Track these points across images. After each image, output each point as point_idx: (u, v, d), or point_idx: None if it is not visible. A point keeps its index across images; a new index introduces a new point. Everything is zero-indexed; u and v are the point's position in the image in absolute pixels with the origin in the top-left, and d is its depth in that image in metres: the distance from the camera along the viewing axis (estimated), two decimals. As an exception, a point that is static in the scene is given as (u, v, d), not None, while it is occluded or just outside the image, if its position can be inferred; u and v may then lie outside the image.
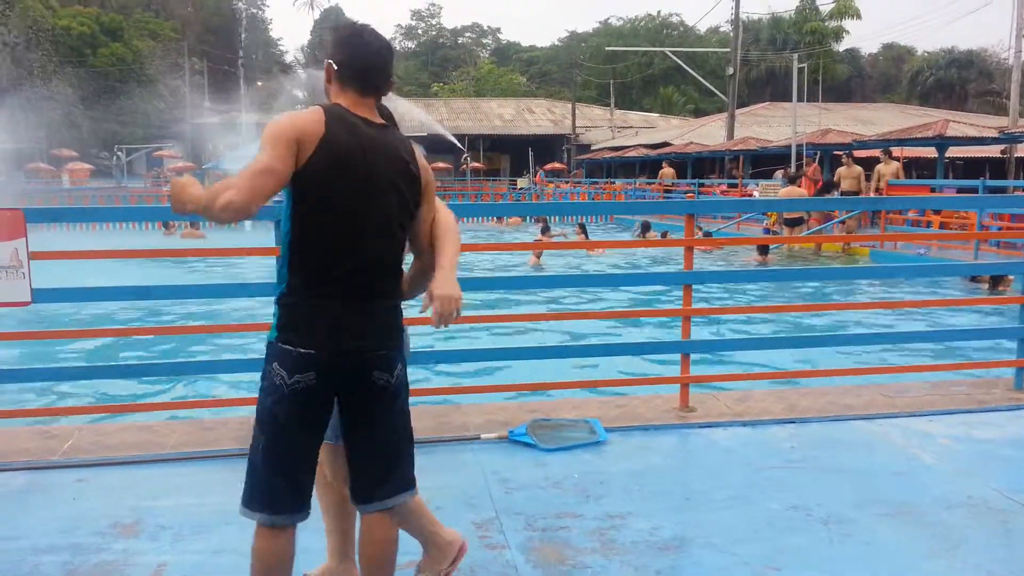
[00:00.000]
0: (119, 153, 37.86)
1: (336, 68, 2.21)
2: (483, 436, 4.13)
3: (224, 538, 3.06)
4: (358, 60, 2.20)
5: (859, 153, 23.38)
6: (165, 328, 5.61)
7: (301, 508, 2.26)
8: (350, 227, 2.13)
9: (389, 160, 2.18)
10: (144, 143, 43.61)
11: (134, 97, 47.90)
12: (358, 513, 2.42)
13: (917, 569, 2.84)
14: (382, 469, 2.31)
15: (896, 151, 19.33)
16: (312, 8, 71.58)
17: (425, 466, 3.75)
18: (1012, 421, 4.47)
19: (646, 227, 16.48)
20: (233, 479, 3.59)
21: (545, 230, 14.66)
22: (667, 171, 28.15)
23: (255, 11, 67.33)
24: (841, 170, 16.56)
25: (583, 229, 15.58)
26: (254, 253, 4.35)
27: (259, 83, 52.01)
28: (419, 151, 2.33)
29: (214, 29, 59.92)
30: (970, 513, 3.29)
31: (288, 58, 72.82)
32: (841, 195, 14.85)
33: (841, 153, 23.31)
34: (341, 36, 2.26)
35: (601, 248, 14.06)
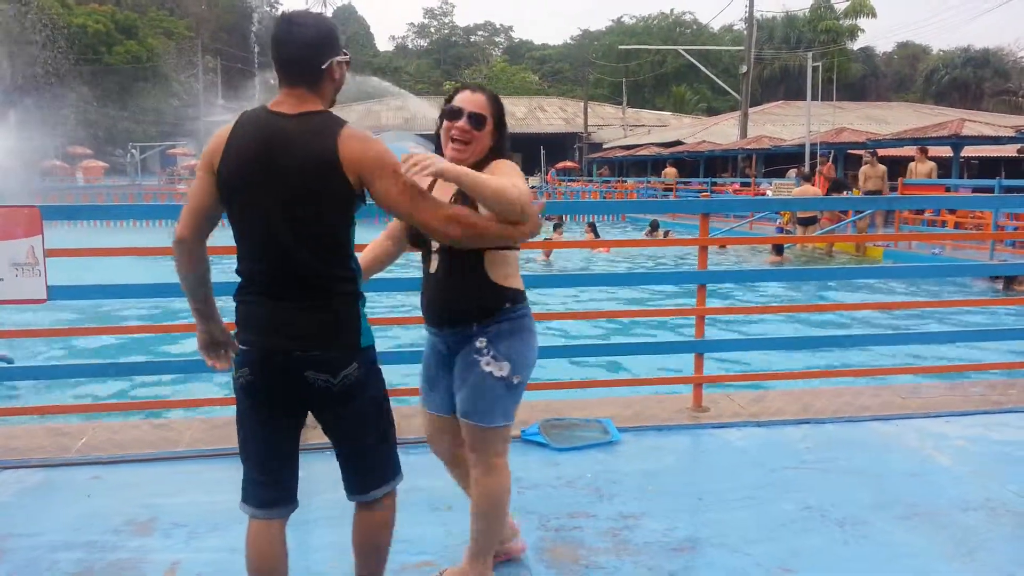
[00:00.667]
0: (133, 151, 38.10)
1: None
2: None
3: (238, 536, 3.05)
4: (273, 52, 2.12)
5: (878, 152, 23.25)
6: (179, 326, 5.62)
7: (275, 503, 2.31)
8: (260, 226, 2.09)
9: (294, 150, 2.04)
10: (158, 141, 43.86)
11: (148, 95, 48.19)
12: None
13: (934, 572, 2.82)
14: (352, 468, 2.34)
15: (912, 150, 19.15)
16: (325, 6, 71.79)
17: (438, 465, 3.76)
18: (1029, 423, 4.42)
19: (654, 226, 16.44)
20: (247, 477, 3.62)
21: (557, 227, 14.64)
22: (670, 171, 28.20)
23: (268, 9, 67.58)
24: (865, 169, 16.01)
25: (593, 228, 15.55)
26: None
27: (272, 81, 52.19)
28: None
29: (228, 27, 60.19)
30: (988, 515, 3.26)
31: (301, 56, 73.00)
32: (865, 195, 14.58)
33: (861, 152, 23.21)
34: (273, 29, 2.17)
35: (606, 247, 14.01)
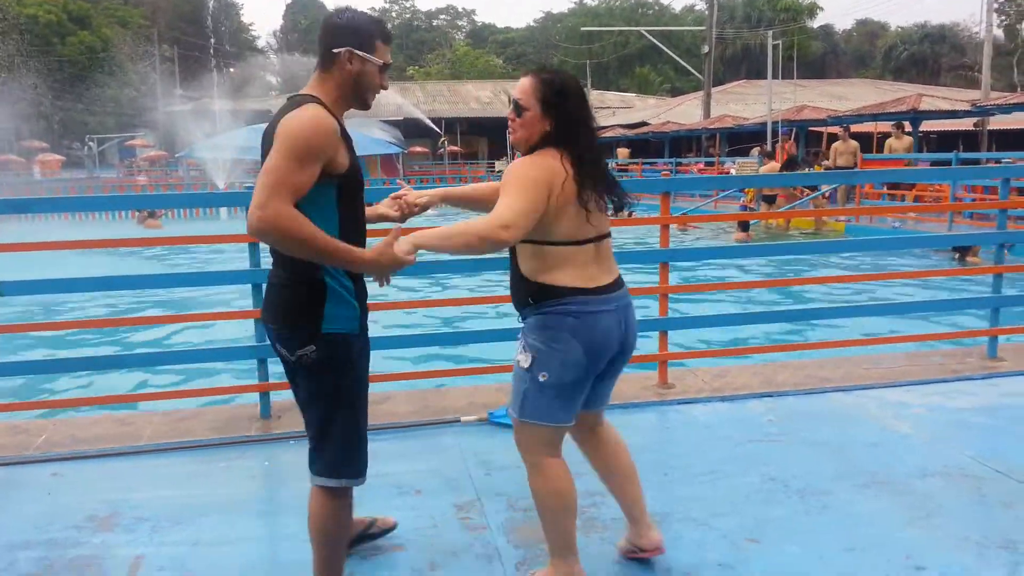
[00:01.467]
0: (90, 143, 37.27)
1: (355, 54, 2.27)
2: (463, 419, 4.12)
3: (202, 529, 3.04)
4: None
5: (834, 129, 23.48)
6: (135, 319, 5.54)
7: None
8: None
9: (267, 129, 2.16)
10: (116, 132, 42.95)
11: (104, 86, 47.11)
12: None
13: (894, 538, 2.88)
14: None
15: (871, 126, 19.35)
16: (285, -9, 70.72)
17: (406, 450, 3.77)
18: (985, 389, 4.52)
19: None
20: (210, 470, 3.59)
21: None
22: (623, 151, 28.41)
23: (225, -4, 66.37)
24: (837, 145, 15.97)
25: None
26: (223, 240, 4.30)
27: (231, 69, 51.34)
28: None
29: (184, 16, 58.98)
30: (945, 481, 3.33)
31: (260, 43, 71.93)
32: (836, 170, 14.65)
33: (822, 129, 23.44)
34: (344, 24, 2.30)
35: None
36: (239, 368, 5.40)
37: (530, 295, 2.40)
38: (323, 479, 2.35)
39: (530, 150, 2.38)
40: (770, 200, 14.57)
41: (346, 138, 2.24)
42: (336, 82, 2.22)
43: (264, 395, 4.18)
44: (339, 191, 2.19)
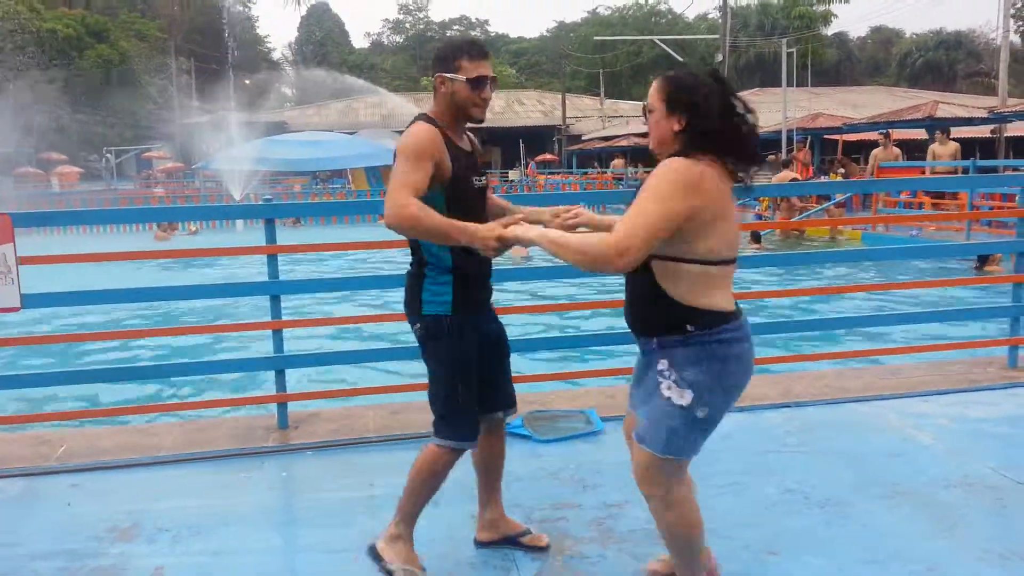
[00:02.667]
0: (108, 155, 37.65)
1: (448, 78, 2.61)
2: (480, 429, 4.11)
3: (223, 539, 3.06)
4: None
5: (850, 137, 23.39)
6: (155, 331, 5.61)
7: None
8: None
9: None
10: (133, 144, 43.37)
11: (122, 98, 47.59)
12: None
13: (915, 549, 2.85)
14: None
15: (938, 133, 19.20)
16: (299, 4, 71.39)
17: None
18: (1006, 399, 4.48)
19: None
20: (230, 480, 3.61)
21: None
22: (618, 162, 28.70)
23: (241, 9, 67.01)
24: (877, 152, 15.16)
25: None
26: (246, 252, 4.34)
27: (247, 81, 51.78)
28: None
29: (200, 28, 59.54)
30: (966, 492, 3.30)
31: (276, 55, 72.52)
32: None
33: (836, 136, 23.33)
34: (438, 53, 2.65)
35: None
36: (258, 379, 5.44)
37: (686, 321, 2.19)
38: (432, 438, 2.68)
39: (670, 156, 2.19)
40: (756, 238, 13.32)
41: (452, 149, 2.55)
42: (440, 103, 2.61)
43: (282, 406, 4.20)
44: (446, 198, 2.53)
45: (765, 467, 3.61)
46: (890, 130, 17.23)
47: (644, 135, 2.44)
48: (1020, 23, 52.51)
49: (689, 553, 2.42)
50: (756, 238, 13.26)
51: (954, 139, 15.42)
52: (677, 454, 2.27)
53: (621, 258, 2.05)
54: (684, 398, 2.20)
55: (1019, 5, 48.56)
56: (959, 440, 3.90)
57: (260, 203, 4.15)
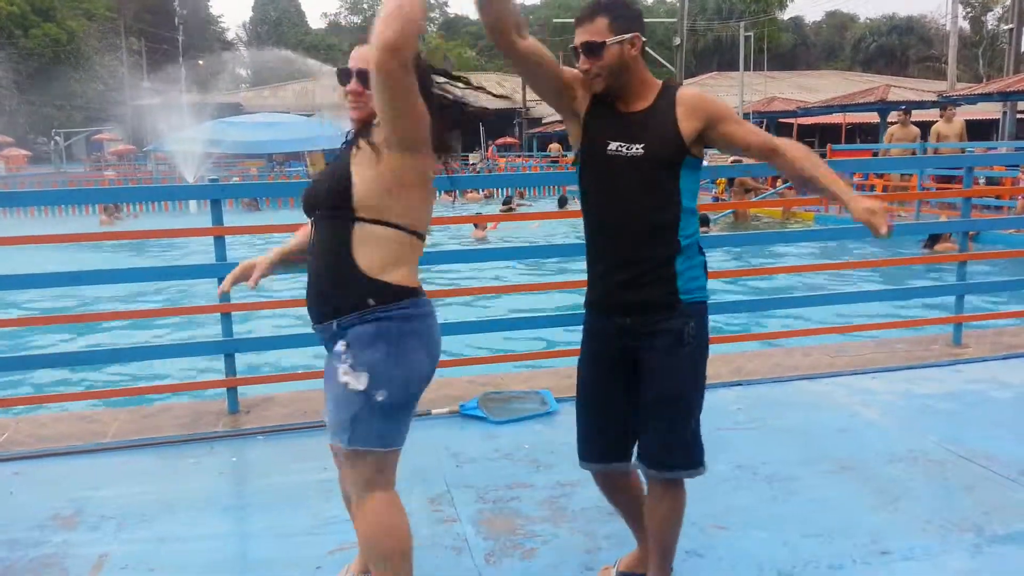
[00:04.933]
0: (57, 138, 36.61)
1: (644, 40, 2.21)
2: (434, 411, 4.11)
3: (169, 526, 3.00)
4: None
5: (804, 120, 23.70)
6: (100, 314, 5.47)
7: None
8: None
9: None
10: (83, 127, 42.23)
11: (70, 79, 46.23)
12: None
13: (860, 522, 2.91)
14: None
15: (839, 117, 19.51)
16: (252, -17, 69.80)
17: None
18: (950, 376, 4.59)
19: (563, 201, 16.40)
20: (177, 466, 3.54)
21: (507, 201, 14.50)
22: (554, 146, 29.28)
23: (193, -13, 65.36)
24: (894, 130, 14.19)
25: (508, 202, 15.56)
26: (188, 234, 4.24)
27: (200, 62, 50.62)
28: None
29: (151, 7, 57.96)
30: (911, 466, 3.38)
31: (230, 36, 71.01)
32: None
33: (791, 120, 23.60)
34: (638, 11, 2.24)
35: (494, 225, 13.44)
36: (206, 363, 5.35)
37: (368, 296, 2.08)
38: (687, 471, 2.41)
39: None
40: (704, 221, 13.56)
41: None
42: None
43: (231, 390, 4.13)
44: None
45: (717, 444, 3.64)
46: (844, 113, 17.47)
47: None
48: (969, 9, 53.63)
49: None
50: (704, 221, 13.36)
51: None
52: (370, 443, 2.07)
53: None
54: (360, 381, 2.03)
55: (968, -8, 49.58)
56: (905, 416, 3.99)
57: (206, 183, 4.05)
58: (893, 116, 14.87)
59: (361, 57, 2.13)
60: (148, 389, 4.43)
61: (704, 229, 13.11)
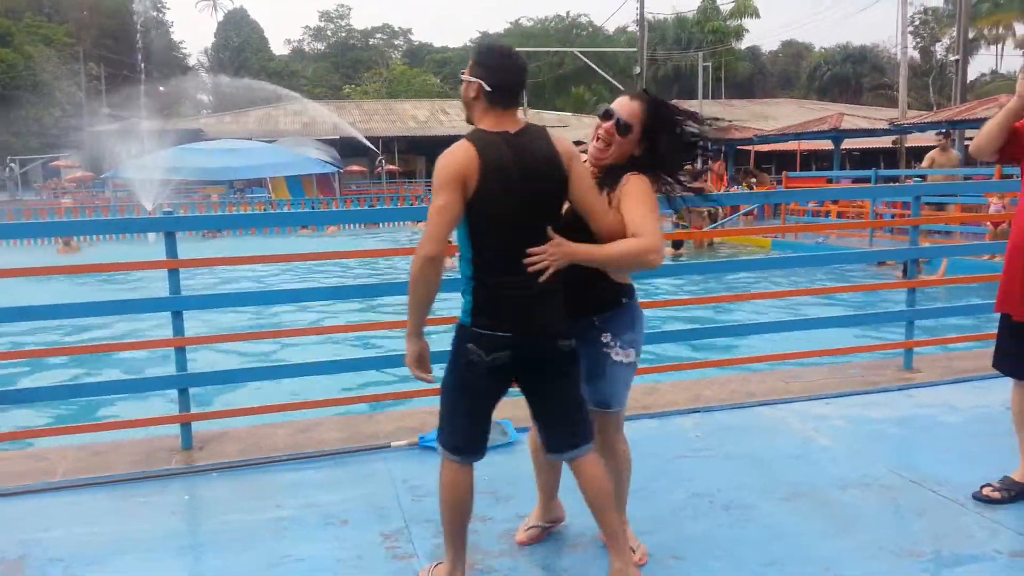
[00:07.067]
0: (12, 164, 35.92)
1: (489, 90, 2.46)
2: (393, 444, 4.08)
3: (119, 568, 2.94)
4: (511, 80, 2.50)
5: (761, 148, 24.16)
6: (49, 350, 5.35)
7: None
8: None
9: (537, 160, 2.46)
10: (40, 153, 41.49)
11: (27, 106, 45.48)
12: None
13: (813, 549, 2.95)
14: None
15: (794, 144, 19.91)
16: (215, 10, 69.61)
17: (335, 478, 3.71)
18: (901, 400, 4.68)
19: None
20: (128, 506, 3.47)
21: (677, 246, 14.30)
22: None
23: (155, 14, 64.88)
24: (934, 154, 13.47)
25: None
26: (141, 268, 4.18)
27: (161, 88, 50.15)
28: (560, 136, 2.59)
29: (111, 33, 57.38)
30: (863, 492, 3.43)
31: (191, 62, 70.51)
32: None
33: (749, 148, 24.03)
34: (494, 60, 2.52)
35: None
36: (160, 399, 5.24)
37: (622, 295, 2.69)
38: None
39: (610, 167, 2.62)
40: (677, 245, 13.70)
41: None
42: None
43: (185, 426, 4.06)
44: None
45: (674, 472, 3.68)
46: (799, 141, 17.85)
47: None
48: (919, 40, 55.38)
49: (626, 486, 2.93)
50: (677, 245, 13.58)
51: (858, 150, 16.03)
52: (624, 404, 2.85)
53: (658, 253, 2.48)
54: (630, 356, 2.72)
55: (917, 23, 51.21)
56: (857, 441, 4.06)
57: (160, 215, 4.01)
58: (933, 139, 14.29)
59: (628, 108, 2.62)
60: (99, 426, 4.33)
61: (675, 252, 13.29)
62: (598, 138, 2.63)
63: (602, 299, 2.67)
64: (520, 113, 2.58)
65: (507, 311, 2.46)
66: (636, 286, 2.79)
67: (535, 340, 2.50)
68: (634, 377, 2.81)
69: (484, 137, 2.44)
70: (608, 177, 2.61)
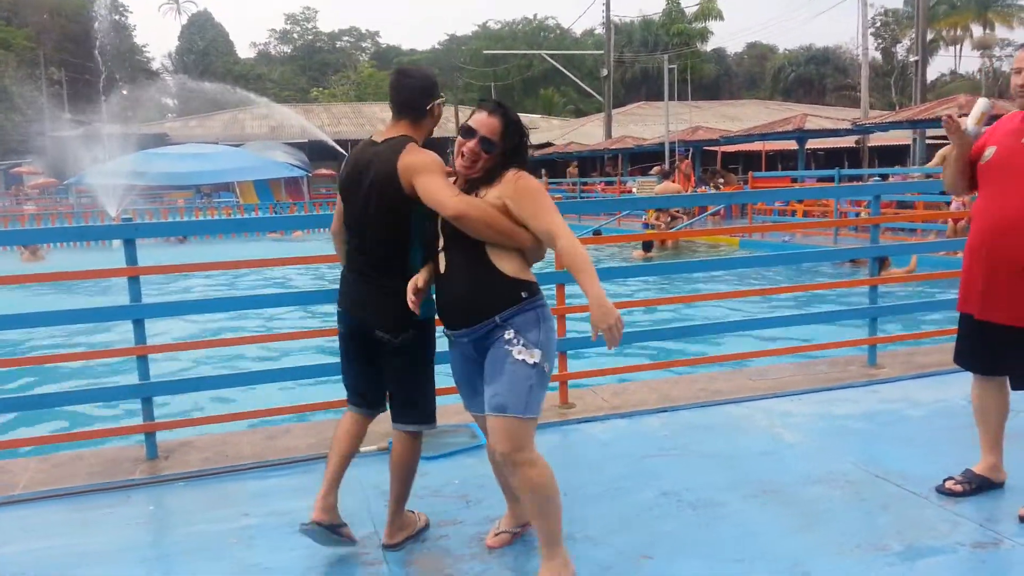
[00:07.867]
0: (-29, 171, 35.11)
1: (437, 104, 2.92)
2: (363, 449, 4.03)
3: (79, 581, 2.88)
4: (391, 96, 2.89)
5: (727, 148, 24.42)
6: (13, 360, 5.21)
7: None
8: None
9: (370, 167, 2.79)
10: (1, 159, 40.64)
11: (-15, 111, 44.55)
12: None
13: (781, 546, 2.97)
14: None
15: (759, 145, 20.14)
16: (179, 13, 68.73)
17: (304, 485, 3.67)
18: (866, 396, 4.76)
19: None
20: (91, 517, 3.41)
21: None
22: (572, 170, 29.20)
23: (117, 17, 63.82)
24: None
25: None
26: (101, 276, 4.11)
27: (124, 91, 49.38)
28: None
29: (73, 37, 56.36)
30: (829, 487, 3.47)
31: (155, 65, 69.48)
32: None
33: (715, 148, 24.29)
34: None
35: None
36: (123, 408, 5.16)
37: (522, 291, 2.62)
38: (419, 426, 2.98)
39: (484, 175, 2.66)
40: (647, 247, 13.77)
41: None
42: (428, 127, 2.92)
43: (149, 435, 4.00)
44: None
45: (644, 471, 3.70)
46: (763, 141, 18.05)
47: (536, 147, 2.76)
48: (880, 41, 56.30)
49: (555, 513, 2.70)
50: (647, 247, 13.65)
51: (822, 150, 16.28)
52: (535, 412, 2.61)
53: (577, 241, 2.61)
54: (534, 357, 2.58)
55: (878, 24, 52.05)
56: (823, 437, 4.11)
57: (120, 223, 3.95)
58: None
59: (488, 125, 2.66)
60: (62, 437, 4.25)
61: (644, 255, 13.36)
62: (462, 155, 2.66)
63: (501, 297, 2.61)
64: (405, 125, 2.86)
65: (342, 292, 3.00)
66: (607, 287, 2.76)
67: (360, 320, 2.90)
68: (543, 392, 2.63)
69: (365, 140, 2.98)
70: (480, 181, 2.67)
